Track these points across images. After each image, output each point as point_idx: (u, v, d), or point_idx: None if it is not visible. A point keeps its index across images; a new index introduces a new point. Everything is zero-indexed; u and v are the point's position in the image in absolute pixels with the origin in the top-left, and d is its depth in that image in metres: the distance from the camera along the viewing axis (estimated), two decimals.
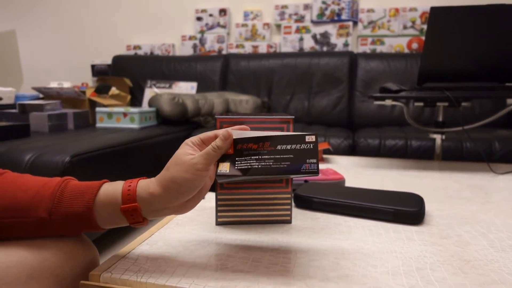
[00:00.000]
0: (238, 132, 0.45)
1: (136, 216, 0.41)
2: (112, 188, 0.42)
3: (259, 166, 0.42)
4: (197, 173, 0.41)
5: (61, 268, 0.41)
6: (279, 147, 0.42)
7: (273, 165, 0.42)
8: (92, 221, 0.41)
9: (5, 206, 0.40)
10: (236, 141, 0.44)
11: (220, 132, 0.43)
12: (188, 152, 0.42)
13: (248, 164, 0.42)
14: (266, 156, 0.42)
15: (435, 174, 0.92)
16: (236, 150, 0.44)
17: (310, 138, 0.42)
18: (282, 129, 0.53)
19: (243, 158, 0.43)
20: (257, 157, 0.42)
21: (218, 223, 0.55)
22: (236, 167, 0.42)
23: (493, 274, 0.41)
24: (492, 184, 0.82)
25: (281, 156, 0.42)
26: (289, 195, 0.55)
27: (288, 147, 0.42)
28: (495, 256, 0.46)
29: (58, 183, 0.42)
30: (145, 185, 0.42)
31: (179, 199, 0.42)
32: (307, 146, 0.42)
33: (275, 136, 0.43)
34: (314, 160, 0.41)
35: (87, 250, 0.45)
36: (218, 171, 0.43)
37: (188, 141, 0.44)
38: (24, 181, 0.43)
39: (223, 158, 0.43)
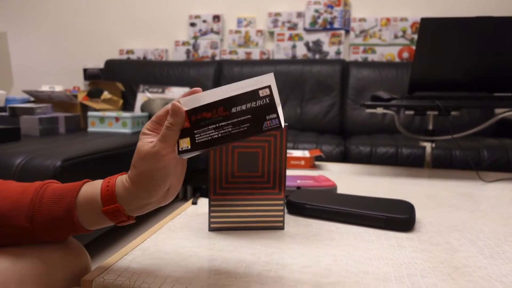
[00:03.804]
0: (190, 101, 0.41)
1: (119, 216, 0.40)
2: (91, 190, 0.40)
3: (219, 135, 0.39)
4: (163, 159, 0.39)
5: (52, 274, 0.41)
6: (233, 109, 0.39)
7: (232, 131, 0.38)
8: (76, 224, 0.40)
9: None
10: (190, 113, 0.41)
11: (169, 107, 0.41)
12: (147, 141, 0.40)
13: (208, 135, 0.39)
14: (223, 123, 0.39)
15: (425, 181, 0.93)
16: (192, 122, 0.40)
17: (264, 92, 0.38)
18: (275, 137, 0.54)
19: (201, 129, 0.40)
20: (214, 125, 0.39)
21: (211, 229, 0.55)
22: (196, 141, 0.40)
23: (481, 280, 0.42)
24: (480, 192, 0.84)
25: (239, 119, 0.39)
26: (281, 201, 0.55)
27: (243, 107, 0.39)
28: (483, 263, 0.46)
29: (37, 189, 0.40)
30: (122, 184, 0.40)
31: (158, 191, 0.40)
32: (263, 102, 0.38)
33: (226, 99, 0.40)
34: (275, 115, 0.37)
35: (78, 256, 0.45)
36: (180, 149, 0.40)
37: (144, 129, 0.41)
38: (4, 188, 0.41)
39: (182, 134, 0.40)
